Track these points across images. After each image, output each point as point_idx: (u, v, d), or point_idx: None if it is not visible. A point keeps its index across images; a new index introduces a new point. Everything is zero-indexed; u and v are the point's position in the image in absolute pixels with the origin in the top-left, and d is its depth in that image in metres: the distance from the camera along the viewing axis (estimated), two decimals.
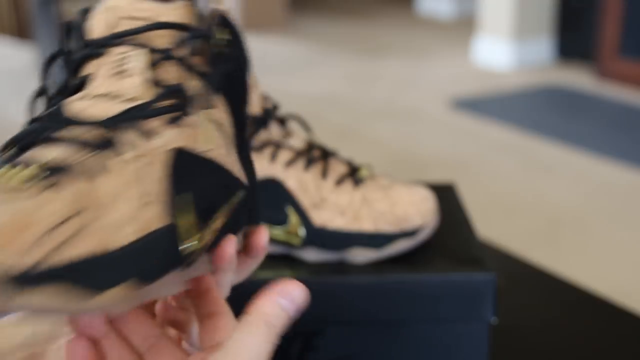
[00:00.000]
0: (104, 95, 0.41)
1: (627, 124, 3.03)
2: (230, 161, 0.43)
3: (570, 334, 0.70)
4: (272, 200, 0.65)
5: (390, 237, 0.63)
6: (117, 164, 0.38)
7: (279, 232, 0.64)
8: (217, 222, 0.41)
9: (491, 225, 2.26)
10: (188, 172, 0.40)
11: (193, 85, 0.42)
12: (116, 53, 0.43)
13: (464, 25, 4.70)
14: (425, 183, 0.76)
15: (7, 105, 3.38)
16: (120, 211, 0.36)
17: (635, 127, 3.00)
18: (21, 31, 4.40)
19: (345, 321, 0.62)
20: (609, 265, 2.08)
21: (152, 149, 0.39)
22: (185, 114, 0.41)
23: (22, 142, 0.39)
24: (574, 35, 3.82)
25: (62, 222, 0.34)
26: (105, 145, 0.38)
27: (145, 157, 0.39)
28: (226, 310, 0.43)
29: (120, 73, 0.42)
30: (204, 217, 0.40)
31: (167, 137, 0.40)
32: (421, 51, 4.19)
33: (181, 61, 0.43)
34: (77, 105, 0.40)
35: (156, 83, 0.42)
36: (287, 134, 0.70)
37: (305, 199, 0.64)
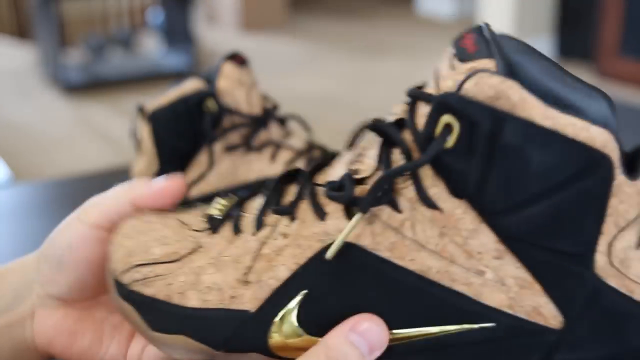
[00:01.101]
0: (357, 156, 0.39)
1: (627, 124, 3.03)
2: (474, 281, 0.35)
3: None
4: None
5: None
6: (263, 232, 0.39)
7: None
8: None
9: None
10: (338, 270, 0.36)
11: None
12: (398, 109, 0.39)
13: (464, 25, 4.70)
14: None
15: (7, 105, 3.38)
16: (214, 277, 0.38)
17: (635, 127, 3.00)
18: (21, 31, 4.40)
19: None
20: None
21: (310, 234, 0.37)
22: (365, 208, 0.35)
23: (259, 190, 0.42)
24: (574, 34, 3.82)
25: (155, 263, 0.39)
26: (282, 211, 0.39)
27: (295, 239, 0.37)
28: None
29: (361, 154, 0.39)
30: (326, 324, 0.36)
31: (335, 226, 0.36)
32: (421, 51, 4.19)
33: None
34: (344, 156, 0.40)
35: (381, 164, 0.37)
36: (287, 134, 0.70)
37: None
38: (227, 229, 0.40)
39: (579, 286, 0.35)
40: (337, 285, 0.36)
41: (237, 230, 0.39)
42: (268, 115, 0.69)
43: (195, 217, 0.42)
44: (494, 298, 0.35)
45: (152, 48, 4.16)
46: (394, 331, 0.36)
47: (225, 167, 0.67)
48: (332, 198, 0.37)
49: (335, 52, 4.20)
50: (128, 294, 0.39)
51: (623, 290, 0.35)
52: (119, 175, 0.98)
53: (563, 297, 0.35)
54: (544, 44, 3.90)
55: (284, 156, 0.67)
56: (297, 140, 0.70)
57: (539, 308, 0.35)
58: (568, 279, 0.35)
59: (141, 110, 0.69)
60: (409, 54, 4.13)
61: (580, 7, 3.77)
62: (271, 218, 0.39)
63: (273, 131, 0.69)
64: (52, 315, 0.44)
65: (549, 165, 0.33)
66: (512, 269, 0.35)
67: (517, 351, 0.35)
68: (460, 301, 0.35)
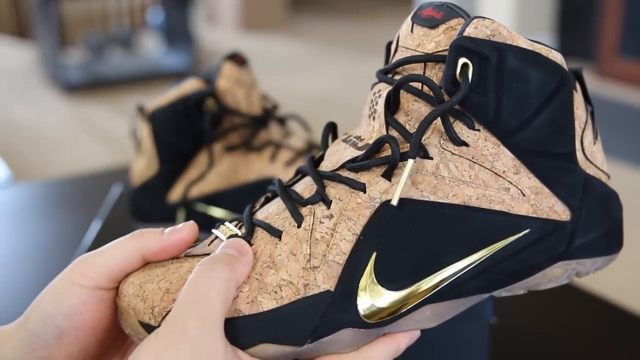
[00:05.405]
0: (357, 137, 0.42)
1: (627, 124, 3.03)
2: (505, 198, 0.40)
3: (569, 333, 0.70)
4: None
5: None
6: (301, 226, 0.39)
7: None
8: (435, 281, 0.39)
9: None
10: (396, 225, 0.38)
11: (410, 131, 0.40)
12: (377, 89, 0.42)
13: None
14: None
15: (7, 105, 3.38)
16: (279, 275, 0.38)
17: (635, 127, 3.00)
18: (21, 31, 4.40)
19: None
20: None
21: (355, 205, 0.39)
22: (396, 164, 0.39)
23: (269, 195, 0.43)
24: (574, 35, 3.82)
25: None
26: (313, 200, 0.40)
27: (341, 216, 0.39)
28: None
29: (373, 114, 0.42)
30: (405, 277, 0.38)
31: (378, 190, 0.39)
32: None
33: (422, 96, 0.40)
34: (332, 148, 0.43)
35: (391, 126, 0.40)
36: (287, 134, 0.70)
37: None
38: (259, 237, 0.40)
39: (575, 180, 0.41)
40: (400, 238, 0.39)
41: (273, 232, 0.39)
42: (268, 115, 0.69)
43: (204, 248, 0.41)
44: (521, 208, 0.40)
45: (152, 48, 4.16)
46: (454, 265, 0.39)
47: (225, 167, 0.67)
48: (370, 165, 0.39)
49: (335, 52, 4.20)
50: None
51: (596, 176, 0.43)
52: (119, 175, 0.98)
53: (566, 192, 0.41)
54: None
55: (284, 156, 0.67)
56: (297, 140, 0.70)
57: (553, 207, 0.41)
58: (566, 176, 0.41)
59: (141, 110, 0.69)
60: None
61: (580, 7, 3.76)
62: (305, 209, 0.40)
63: (273, 131, 0.69)
64: None
65: (542, 80, 0.40)
66: (527, 180, 0.40)
67: (549, 247, 0.41)
68: (501, 218, 0.39)
